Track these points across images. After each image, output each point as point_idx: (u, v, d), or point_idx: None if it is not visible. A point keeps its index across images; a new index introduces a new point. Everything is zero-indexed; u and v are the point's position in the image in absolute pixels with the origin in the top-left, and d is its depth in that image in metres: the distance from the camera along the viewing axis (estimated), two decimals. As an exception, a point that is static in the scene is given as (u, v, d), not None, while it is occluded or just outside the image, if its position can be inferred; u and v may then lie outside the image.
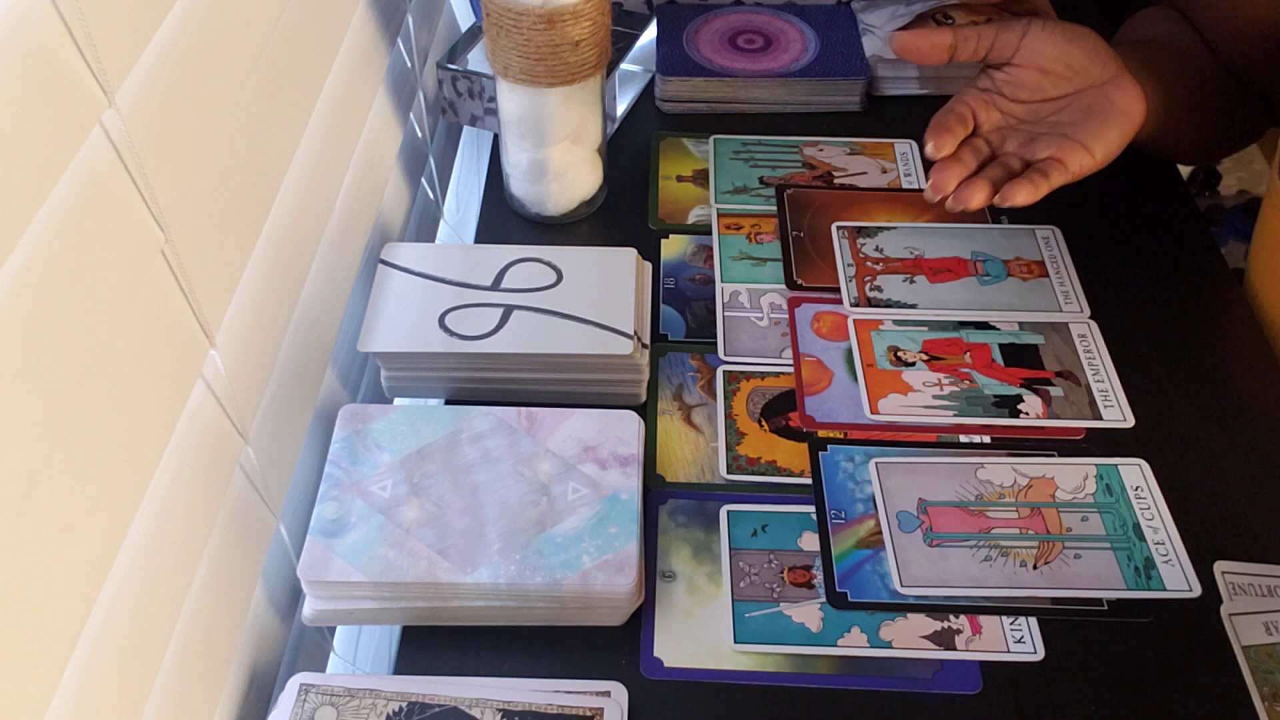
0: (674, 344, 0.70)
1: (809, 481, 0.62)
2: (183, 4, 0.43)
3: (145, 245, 0.41)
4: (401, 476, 0.57)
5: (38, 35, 0.35)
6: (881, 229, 0.77)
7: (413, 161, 0.80)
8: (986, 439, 0.64)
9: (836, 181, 0.81)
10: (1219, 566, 0.58)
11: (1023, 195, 0.63)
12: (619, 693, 0.52)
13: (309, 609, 0.55)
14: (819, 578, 0.58)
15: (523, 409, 0.61)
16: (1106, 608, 0.56)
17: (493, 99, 0.79)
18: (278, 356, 0.54)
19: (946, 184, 0.64)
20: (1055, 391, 0.66)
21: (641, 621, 0.56)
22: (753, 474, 0.62)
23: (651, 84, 0.89)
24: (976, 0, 0.93)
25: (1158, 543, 0.59)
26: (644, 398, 0.66)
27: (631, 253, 0.69)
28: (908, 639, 0.55)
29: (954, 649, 0.55)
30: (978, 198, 0.63)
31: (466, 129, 0.93)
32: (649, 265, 0.72)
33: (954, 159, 0.66)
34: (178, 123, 0.43)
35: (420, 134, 0.82)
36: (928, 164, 0.82)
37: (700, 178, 0.82)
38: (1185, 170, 1.01)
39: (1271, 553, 0.59)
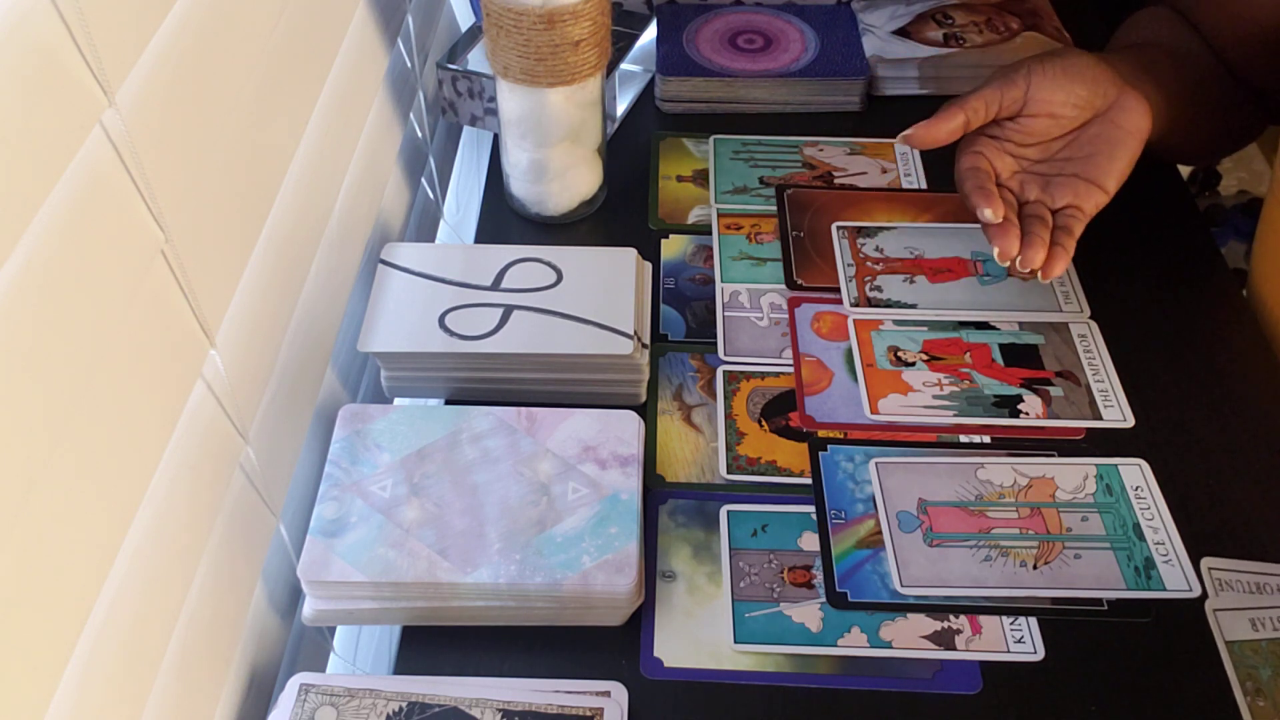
0: (674, 344, 0.70)
1: (809, 481, 0.62)
2: (183, 4, 0.43)
3: (145, 245, 0.41)
4: (401, 476, 0.57)
5: (38, 35, 0.35)
6: (881, 229, 0.77)
7: (413, 161, 0.80)
8: (986, 439, 0.64)
9: (836, 181, 0.81)
10: (1206, 563, 0.58)
11: (1059, 265, 0.64)
12: (619, 693, 0.52)
13: (309, 609, 0.55)
14: (819, 578, 0.58)
15: (523, 409, 0.61)
16: (1106, 608, 0.56)
17: (493, 99, 0.79)
18: (278, 356, 0.54)
19: (1011, 247, 0.64)
20: (1055, 391, 0.66)
21: (641, 621, 0.56)
22: (753, 474, 0.62)
23: (651, 84, 0.89)
24: (976, 0, 0.93)
25: (1157, 543, 0.59)
26: (644, 398, 0.66)
27: (631, 253, 0.69)
28: (908, 639, 0.55)
29: (954, 649, 0.55)
30: (1039, 256, 0.64)
31: (466, 129, 0.93)
32: (649, 265, 0.72)
33: (1009, 223, 0.65)
34: (178, 123, 0.43)
35: (420, 134, 0.82)
36: (928, 163, 0.82)
37: (700, 178, 0.82)
38: (1185, 170, 1.01)
39: (1273, 553, 0.59)
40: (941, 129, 0.68)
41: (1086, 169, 0.66)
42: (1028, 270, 0.64)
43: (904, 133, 0.68)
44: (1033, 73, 0.67)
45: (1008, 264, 0.64)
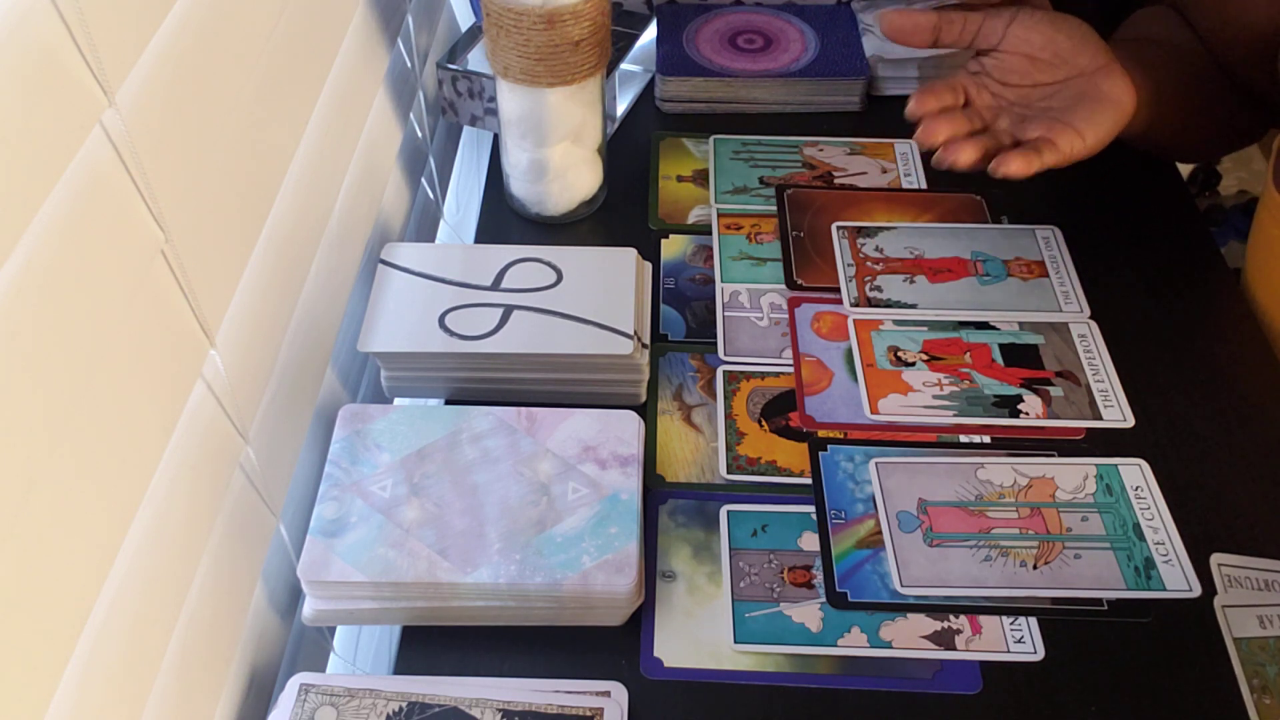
0: (674, 344, 0.70)
1: (809, 481, 0.62)
2: (183, 4, 0.43)
3: (145, 245, 0.41)
4: (401, 476, 0.57)
5: (38, 35, 0.35)
6: (881, 229, 0.77)
7: (413, 161, 0.80)
8: (986, 439, 0.64)
9: (836, 181, 0.81)
10: (1215, 559, 0.58)
11: (1016, 165, 0.63)
12: (619, 693, 0.52)
13: (309, 609, 0.55)
14: (819, 578, 0.58)
15: (523, 409, 0.61)
16: (1106, 608, 0.56)
17: (493, 99, 0.79)
18: (278, 356, 0.54)
19: (935, 134, 0.65)
20: (1055, 391, 0.66)
21: (641, 621, 0.56)
22: (753, 474, 0.62)
23: (651, 84, 0.89)
24: (976, 0, 0.93)
25: (1157, 543, 0.59)
26: (644, 398, 0.66)
27: (631, 253, 0.69)
28: (908, 639, 0.55)
29: (954, 649, 0.55)
30: (966, 154, 0.64)
31: (466, 129, 0.93)
32: (649, 265, 0.72)
33: (945, 117, 0.66)
34: (178, 123, 0.43)
35: (420, 134, 0.82)
36: (928, 163, 0.82)
37: (700, 178, 0.82)
38: (1185, 170, 1.01)
39: (1271, 552, 0.59)
40: (910, 19, 0.68)
41: (1067, 115, 0.66)
42: (946, 162, 0.65)
43: (881, 10, 0.69)
44: (1020, 11, 0.68)
45: (925, 148, 0.66)
